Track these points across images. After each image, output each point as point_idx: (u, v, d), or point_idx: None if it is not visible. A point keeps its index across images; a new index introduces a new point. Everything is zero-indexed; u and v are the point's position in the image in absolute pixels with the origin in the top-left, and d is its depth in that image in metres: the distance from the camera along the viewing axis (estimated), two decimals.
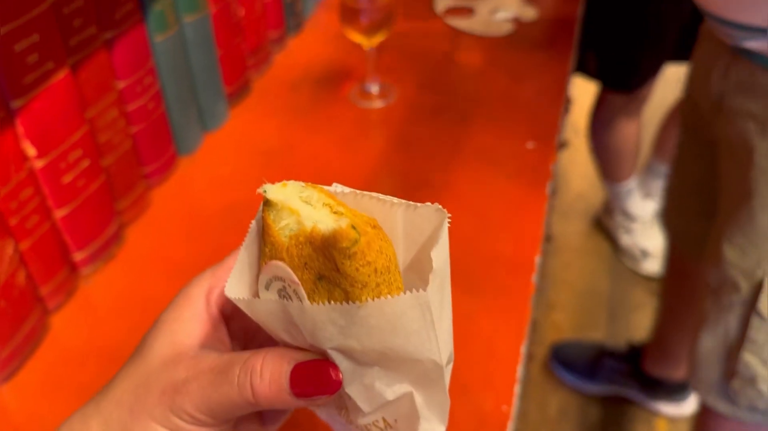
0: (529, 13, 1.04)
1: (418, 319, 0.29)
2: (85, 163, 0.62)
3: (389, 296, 0.29)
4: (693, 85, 0.94)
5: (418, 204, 0.32)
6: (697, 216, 1.02)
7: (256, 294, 0.34)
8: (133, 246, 0.71)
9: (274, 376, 0.31)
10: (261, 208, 0.33)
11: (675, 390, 1.45)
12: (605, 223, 1.92)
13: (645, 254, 1.79)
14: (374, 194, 0.33)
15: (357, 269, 0.29)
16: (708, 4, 0.75)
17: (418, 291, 0.28)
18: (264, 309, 0.32)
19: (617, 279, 1.83)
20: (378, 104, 0.90)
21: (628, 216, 1.80)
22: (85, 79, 0.61)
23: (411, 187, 0.77)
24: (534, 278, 0.66)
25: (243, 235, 0.64)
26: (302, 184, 0.33)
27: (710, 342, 0.86)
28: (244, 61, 0.89)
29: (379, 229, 0.30)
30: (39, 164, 0.58)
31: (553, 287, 1.80)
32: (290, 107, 0.90)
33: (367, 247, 0.29)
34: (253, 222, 0.35)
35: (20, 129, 0.55)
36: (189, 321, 0.34)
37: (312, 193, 0.32)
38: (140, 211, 0.74)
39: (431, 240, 0.32)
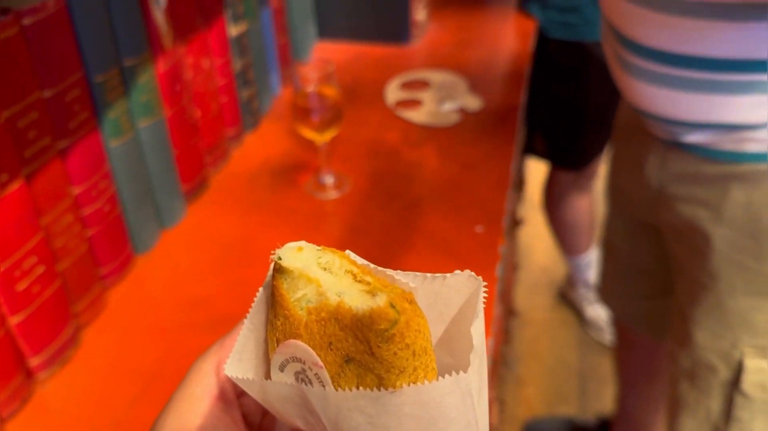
0: (475, 103, 1.10)
1: (458, 405, 0.26)
2: (40, 270, 0.63)
3: (426, 381, 0.26)
4: (619, 174, 0.98)
5: (447, 274, 0.30)
6: (636, 296, 1.04)
7: (265, 374, 0.31)
8: (90, 349, 0.71)
9: None
10: (270, 274, 0.30)
11: None
12: (569, 296, 1.95)
13: (609, 325, 1.82)
14: (390, 270, 0.29)
15: (395, 353, 0.26)
16: (648, 105, 0.78)
17: (457, 373, 0.25)
18: (277, 394, 0.28)
19: (585, 351, 1.85)
20: (333, 195, 0.93)
21: (591, 288, 1.84)
22: (39, 188, 0.63)
23: None
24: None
25: (202, 332, 0.64)
26: (318, 247, 0.29)
27: (693, 425, 0.88)
28: (201, 159, 0.92)
29: (415, 304, 0.27)
30: None
31: (522, 362, 1.80)
32: (247, 201, 0.93)
33: (407, 328, 0.25)
34: (261, 289, 0.31)
35: None
36: (198, 400, 0.32)
37: (332, 258, 0.28)
38: (97, 312, 0.74)
39: (465, 313, 0.29)
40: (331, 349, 0.27)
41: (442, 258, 0.81)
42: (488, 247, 0.82)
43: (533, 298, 2.00)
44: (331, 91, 0.87)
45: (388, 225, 0.87)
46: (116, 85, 0.72)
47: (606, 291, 1.15)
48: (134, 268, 0.81)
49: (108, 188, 0.74)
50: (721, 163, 0.77)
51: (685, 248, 0.84)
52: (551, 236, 1.84)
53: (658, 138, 0.83)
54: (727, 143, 0.75)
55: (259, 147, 1.05)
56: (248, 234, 0.87)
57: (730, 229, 0.77)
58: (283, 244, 0.29)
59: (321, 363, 0.27)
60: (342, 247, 0.95)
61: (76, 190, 0.69)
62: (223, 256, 0.83)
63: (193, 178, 0.91)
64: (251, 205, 0.92)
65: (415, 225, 0.87)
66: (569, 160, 1.58)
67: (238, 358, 0.30)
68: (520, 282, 1.98)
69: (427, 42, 1.34)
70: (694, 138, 0.77)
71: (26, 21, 0.59)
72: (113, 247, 0.76)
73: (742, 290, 0.79)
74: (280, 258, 0.28)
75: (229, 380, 0.32)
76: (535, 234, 2.16)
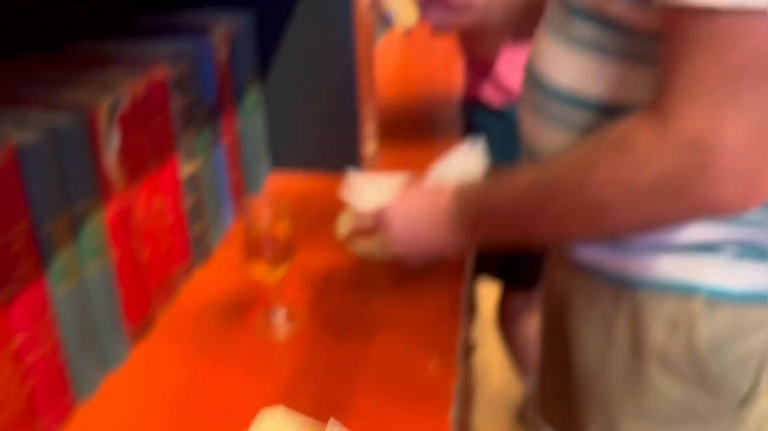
0: None
1: None
2: None
3: None
4: (544, 289, 1.02)
5: None
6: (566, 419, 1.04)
7: None
8: None
9: None
10: None
11: None
12: (527, 417, 1.92)
13: None
14: None
15: None
16: None
17: None
18: None
19: None
20: (284, 331, 0.92)
21: None
22: None
23: (319, 415, 0.77)
24: None
25: None
26: (300, 422, 0.26)
27: None
28: (149, 297, 0.91)
29: None
30: None
31: None
32: (195, 341, 0.91)
33: None
34: None
35: None
36: None
37: None
38: None
39: None
40: None
41: (397, 398, 0.80)
42: (441, 386, 0.82)
43: (491, 419, 1.97)
44: (282, 229, 0.88)
45: (339, 364, 0.86)
46: (64, 231, 0.72)
47: (543, 408, 1.14)
48: (75, 416, 0.78)
49: (51, 335, 0.72)
50: (610, 285, 0.79)
51: (582, 368, 0.86)
52: (507, 356, 1.83)
53: (562, 256, 0.87)
54: (613, 262, 0.77)
55: (208, 281, 1.04)
56: (195, 376, 0.84)
57: (620, 351, 0.79)
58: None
59: None
60: (293, 387, 0.92)
61: (18, 340, 0.67)
62: (169, 400, 0.81)
63: (140, 317, 0.89)
64: (198, 346, 0.90)
65: (368, 361, 0.86)
66: (520, 280, 1.61)
67: None
68: (477, 404, 1.95)
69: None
70: (583, 255, 0.80)
71: None
72: (54, 396, 0.73)
73: (632, 413, 0.81)
74: None
75: None
76: (490, 353, 2.15)
